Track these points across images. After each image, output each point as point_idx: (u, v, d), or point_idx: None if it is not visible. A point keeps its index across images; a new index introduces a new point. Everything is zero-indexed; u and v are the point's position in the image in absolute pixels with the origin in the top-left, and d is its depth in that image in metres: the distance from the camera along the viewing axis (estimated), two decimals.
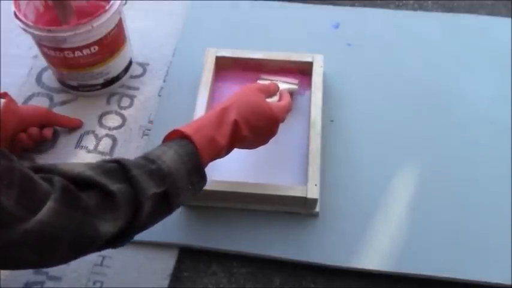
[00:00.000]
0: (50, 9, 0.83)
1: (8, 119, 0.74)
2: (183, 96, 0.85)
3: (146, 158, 0.56)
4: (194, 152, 0.58)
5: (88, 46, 0.78)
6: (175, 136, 0.60)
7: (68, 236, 0.47)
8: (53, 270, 0.70)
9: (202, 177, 0.60)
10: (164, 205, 0.56)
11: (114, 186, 0.50)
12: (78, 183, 0.49)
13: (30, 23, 0.76)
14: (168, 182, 0.54)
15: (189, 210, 0.75)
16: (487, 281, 0.69)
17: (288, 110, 0.73)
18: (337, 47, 0.92)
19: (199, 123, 0.62)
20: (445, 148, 0.80)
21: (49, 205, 0.45)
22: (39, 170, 0.49)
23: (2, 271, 0.70)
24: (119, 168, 0.53)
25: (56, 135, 0.83)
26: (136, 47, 0.91)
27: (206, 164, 0.60)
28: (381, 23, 0.96)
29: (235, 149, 0.66)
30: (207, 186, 0.70)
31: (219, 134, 0.61)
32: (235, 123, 0.63)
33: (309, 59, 0.84)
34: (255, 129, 0.65)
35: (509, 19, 0.96)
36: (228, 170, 0.75)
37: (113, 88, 0.88)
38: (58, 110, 0.86)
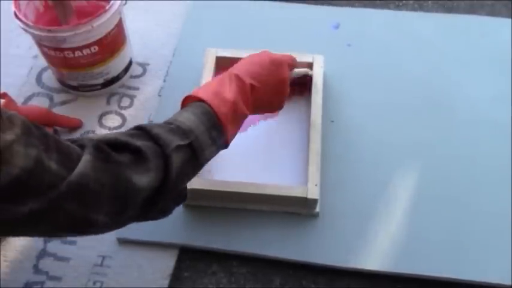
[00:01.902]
0: (50, 9, 0.83)
1: None
2: (183, 96, 0.85)
3: (164, 122, 0.59)
4: (209, 111, 0.60)
5: (88, 46, 0.78)
6: (188, 102, 0.63)
7: (106, 189, 0.48)
8: (53, 270, 0.70)
9: (222, 133, 0.61)
10: (193, 159, 0.57)
11: (139, 142, 0.53)
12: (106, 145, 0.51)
13: (30, 23, 0.76)
14: (190, 137, 0.57)
15: (189, 210, 0.75)
16: (487, 281, 0.69)
17: (291, 58, 0.74)
18: (337, 48, 0.92)
19: (206, 86, 0.65)
20: (444, 148, 0.80)
21: (85, 158, 0.47)
22: (69, 141, 0.51)
23: (2, 270, 0.70)
24: (140, 131, 0.55)
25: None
26: (136, 47, 0.91)
27: (228, 123, 0.61)
28: (380, 24, 0.96)
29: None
30: (207, 186, 0.70)
31: (225, 90, 0.63)
32: (236, 76, 0.65)
33: (309, 59, 0.84)
34: (259, 75, 0.67)
35: (509, 19, 0.96)
36: (228, 170, 0.75)
37: (113, 88, 0.88)
38: (58, 110, 0.86)
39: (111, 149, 0.51)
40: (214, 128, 0.60)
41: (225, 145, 0.63)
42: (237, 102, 0.63)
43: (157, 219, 0.59)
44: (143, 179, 0.51)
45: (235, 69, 0.67)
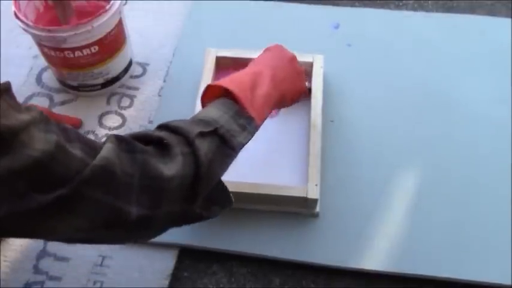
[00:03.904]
0: (50, 9, 0.83)
1: None
2: (183, 96, 0.85)
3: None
4: (229, 101, 0.60)
5: (88, 46, 0.78)
6: (208, 94, 0.63)
7: (134, 179, 0.47)
8: (53, 270, 0.71)
9: (250, 119, 0.60)
10: (223, 146, 0.56)
11: (160, 133, 0.52)
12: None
13: (31, 23, 0.76)
14: (214, 125, 0.56)
15: None
16: (487, 281, 0.69)
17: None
18: (337, 47, 0.92)
19: (225, 78, 0.65)
20: (444, 148, 0.80)
21: (108, 146, 0.46)
22: None
23: (2, 270, 0.70)
24: (160, 127, 0.55)
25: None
26: (136, 47, 0.91)
27: (250, 104, 0.60)
28: (380, 23, 0.96)
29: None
30: None
31: (242, 75, 0.64)
32: (254, 64, 0.68)
33: (309, 59, 0.84)
34: (279, 65, 0.68)
35: (509, 19, 0.96)
36: (228, 170, 0.75)
37: (113, 88, 0.88)
38: (58, 110, 0.86)
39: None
40: (239, 116, 0.59)
41: (256, 128, 0.61)
42: (254, 84, 0.62)
43: (202, 219, 0.57)
44: (171, 166, 0.50)
45: (252, 61, 0.69)
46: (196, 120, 0.56)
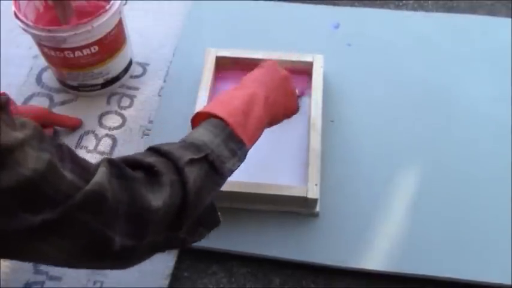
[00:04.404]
0: (50, 9, 0.83)
1: None
2: (183, 96, 0.85)
3: (178, 141, 0.57)
4: (221, 123, 0.59)
5: (88, 46, 0.78)
6: (197, 119, 0.62)
7: (122, 206, 0.46)
8: (53, 270, 0.70)
9: (241, 144, 0.60)
10: (211, 173, 0.56)
11: (150, 158, 0.51)
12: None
13: (30, 23, 0.76)
14: (205, 150, 0.55)
15: None
16: (487, 281, 0.69)
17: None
18: (337, 47, 0.92)
19: (214, 100, 0.65)
20: (445, 148, 0.80)
21: (102, 170, 0.46)
22: None
23: (2, 270, 0.70)
24: (150, 150, 0.54)
25: (55, 136, 0.83)
26: (136, 47, 0.91)
27: (241, 129, 0.60)
28: (380, 23, 0.96)
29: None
30: None
31: (233, 99, 0.63)
32: (245, 85, 0.67)
33: (309, 59, 0.84)
34: (271, 85, 0.68)
35: (509, 19, 0.96)
36: None
37: (113, 88, 0.88)
38: (58, 110, 0.86)
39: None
40: (230, 139, 0.58)
41: (246, 153, 0.61)
42: (247, 108, 0.62)
43: (186, 244, 0.57)
44: (158, 196, 0.49)
45: (245, 80, 0.68)
46: (188, 143, 0.56)
